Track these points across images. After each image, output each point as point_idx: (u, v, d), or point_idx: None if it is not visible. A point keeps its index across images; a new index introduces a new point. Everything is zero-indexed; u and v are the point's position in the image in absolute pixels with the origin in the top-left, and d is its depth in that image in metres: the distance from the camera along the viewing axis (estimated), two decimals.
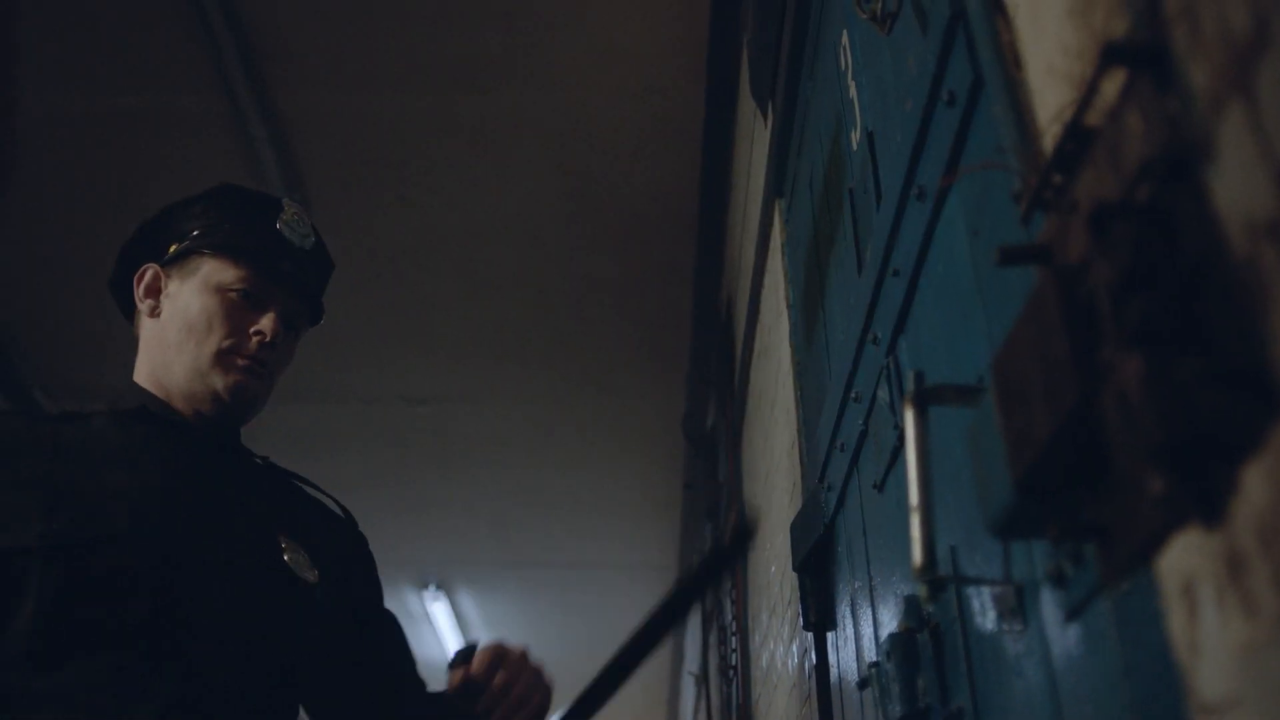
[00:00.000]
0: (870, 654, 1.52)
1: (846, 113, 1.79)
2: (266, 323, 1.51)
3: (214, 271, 1.53)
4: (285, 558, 1.44)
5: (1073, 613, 0.83)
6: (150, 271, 1.58)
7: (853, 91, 1.73)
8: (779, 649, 2.67)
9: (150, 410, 1.50)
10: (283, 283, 1.56)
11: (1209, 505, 0.59)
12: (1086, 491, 0.74)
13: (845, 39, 1.80)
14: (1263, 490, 0.54)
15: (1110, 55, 0.68)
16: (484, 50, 3.52)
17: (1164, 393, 0.60)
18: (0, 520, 1.29)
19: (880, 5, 1.33)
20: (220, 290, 1.52)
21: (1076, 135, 0.77)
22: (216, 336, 1.50)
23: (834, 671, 1.87)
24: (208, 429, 1.52)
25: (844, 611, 1.76)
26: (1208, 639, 0.61)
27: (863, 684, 1.47)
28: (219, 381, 1.49)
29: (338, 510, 1.65)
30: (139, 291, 1.59)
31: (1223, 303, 0.59)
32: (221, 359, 1.49)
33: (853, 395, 1.64)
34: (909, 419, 0.99)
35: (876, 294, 1.47)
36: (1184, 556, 0.63)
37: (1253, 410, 0.56)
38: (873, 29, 1.45)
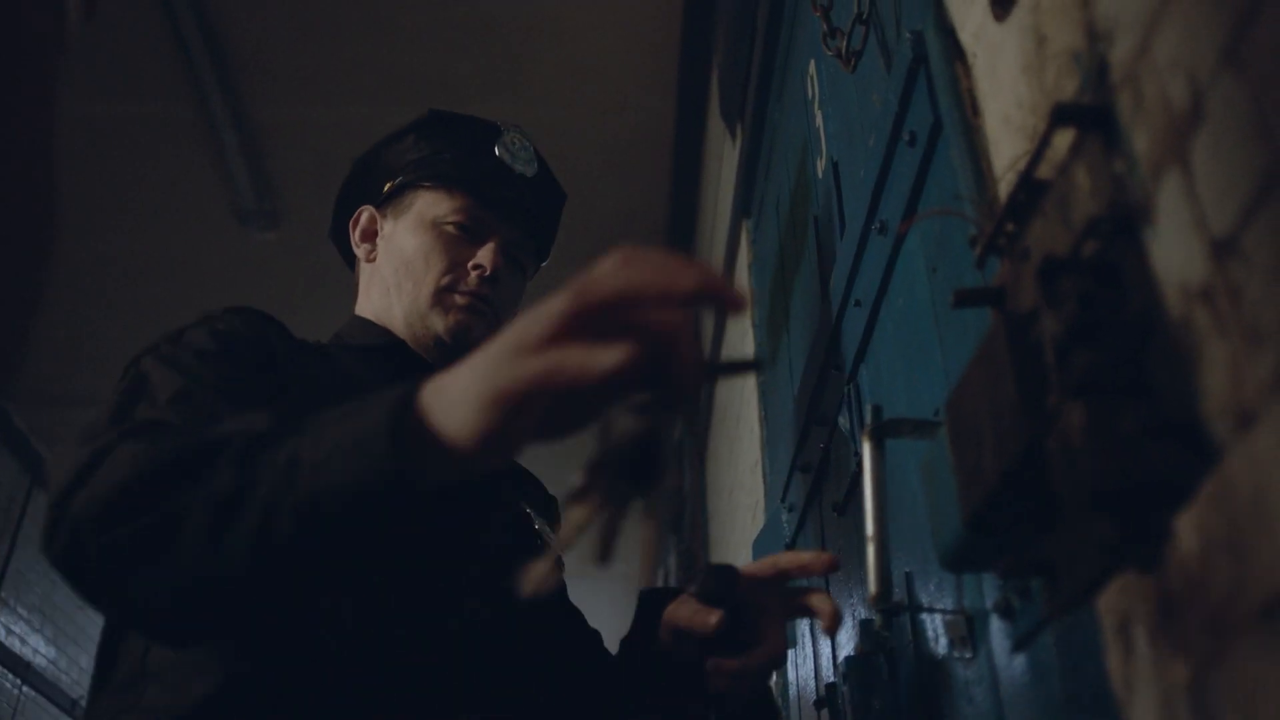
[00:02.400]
0: (828, 674, 1.55)
1: (813, 141, 1.82)
2: (485, 255, 1.38)
3: (428, 205, 1.41)
4: (535, 525, 1.36)
5: (1019, 644, 0.86)
6: (365, 215, 1.47)
7: (819, 120, 1.76)
8: None
9: (396, 348, 1.38)
10: (503, 212, 1.42)
11: (1145, 551, 0.63)
12: (1034, 529, 0.77)
13: (813, 68, 1.83)
14: (1193, 539, 0.58)
15: (1060, 116, 0.72)
16: (458, 64, 3.53)
17: (1104, 442, 0.63)
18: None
19: (845, 44, 1.36)
20: (435, 225, 1.39)
21: (1028, 187, 0.81)
22: (434, 274, 1.37)
23: (793, 689, 1.90)
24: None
25: (803, 630, 1.79)
26: (1140, 676, 0.64)
27: (819, 704, 1.50)
28: (439, 323, 1.36)
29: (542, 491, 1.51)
30: (355, 237, 1.48)
31: (1161, 358, 0.63)
32: (440, 298, 1.37)
33: (815, 419, 1.67)
34: (866, 452, 1.02)
35: (839, 322, 1.50)
36: (1121, 597, 0.66)
37: (1187, 462, 0.60)
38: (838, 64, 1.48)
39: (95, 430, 0.97)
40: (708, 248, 3.63)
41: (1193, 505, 0.58)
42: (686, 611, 1.17)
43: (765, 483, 2.26)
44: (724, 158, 3.15)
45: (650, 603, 1.28)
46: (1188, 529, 0.58)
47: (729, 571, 1.13)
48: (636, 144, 3.73)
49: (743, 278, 2.73)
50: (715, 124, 3.35)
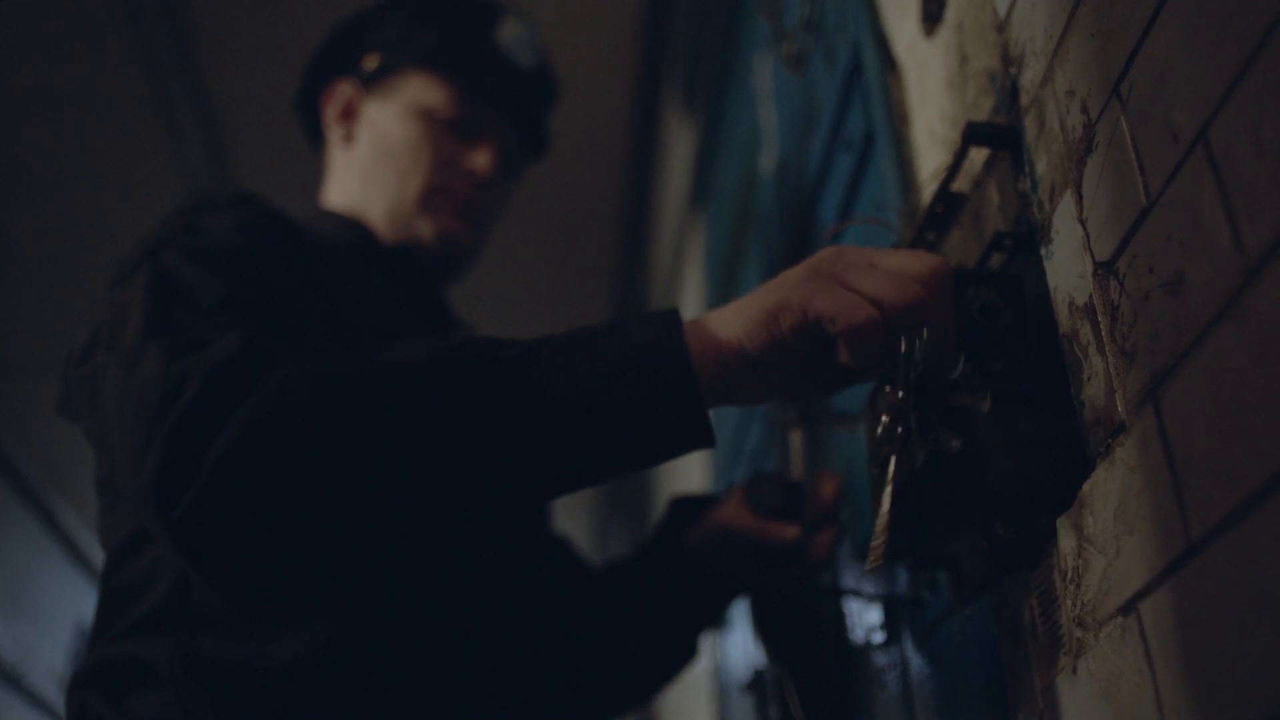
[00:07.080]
0: (758, 659, 1.59)
1: (762, 136, 1.85)
2: (481, 159, 1.26)
3: (420, 92, 1.27)
4: None
5: (927, 633, 0.90)
6: (345, 90, 1.32)
7: (768, 117, 1.80)
8: None
9: (385, 250, 1.25)
10: (501, 108, 1.29)
11: (1032, 550, 0.67)
12: (942, 525, 0.81)
13: (766, 65, 1.87)
14: (1070, 540, 0.62)
15: (971, 135, 0.75)
16: None
17: (1004, 449, 0.68)
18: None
19: (792, 48, 1.39)
20: (427, 116, 1.26)
21: (946, 199, 0.85)
22: (421, 173, 1.25)
23: (723, 674, 1.94)
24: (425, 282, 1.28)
25: (737, 615, 1.83)
26: (1024, 664, 0.68)
27: (748, 688, 1.54)
28: (425, 228, 1.24)
29: None
30: (331, 114, 1.32)
31: (1052, 368, 0.67)
32: (427, 201, 1.25)
33: (752, 409, 1.71)
34: (793, 442, 1.06)
35: None
36: (1013, 592, 0.70)
37: (1069, 468, 0.64)
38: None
39: (141, 345, 0.83)
40: (663, 234, 3.66)
41: (1072, 508, 0.62)
42: (748, 520, 1.10)
43: (712, 469, 2.30)
44: (680, 145, 3.18)
45: (680, 509, 1.23)
46: (1065, 530, 0.62)
47: (797, 489, 1.06)
48: (592, 129, 3.75)
49: (696, 266, 2.77)
50: (672, 111, 3.37)
